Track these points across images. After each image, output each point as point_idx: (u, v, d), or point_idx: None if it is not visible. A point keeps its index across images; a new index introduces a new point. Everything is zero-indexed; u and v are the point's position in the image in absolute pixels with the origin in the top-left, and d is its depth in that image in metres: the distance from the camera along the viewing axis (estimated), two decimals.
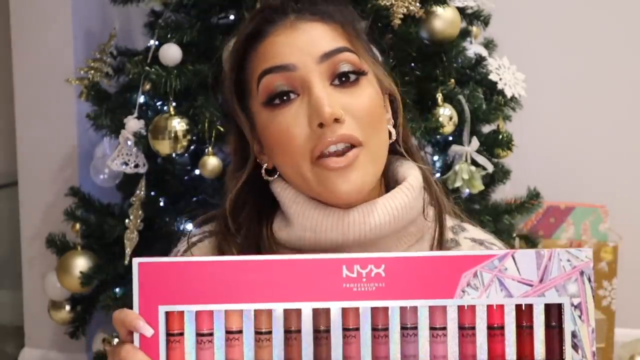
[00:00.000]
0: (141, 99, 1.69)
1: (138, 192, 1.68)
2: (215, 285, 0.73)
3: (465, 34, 1.81)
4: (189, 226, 1.66)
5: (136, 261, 0.73)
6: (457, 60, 1.69)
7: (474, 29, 1.87)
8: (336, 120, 0.84)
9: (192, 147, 1.66)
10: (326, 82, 0.86)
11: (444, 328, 0.74)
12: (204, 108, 1.59)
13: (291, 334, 0.74)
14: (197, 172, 1.68)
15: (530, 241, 1.92)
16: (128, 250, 1.64)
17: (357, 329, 0.74)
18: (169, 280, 0.73)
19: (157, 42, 1.66)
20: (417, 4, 1.56)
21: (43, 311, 1.98)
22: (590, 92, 2.50)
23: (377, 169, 0.88)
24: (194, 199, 1.73)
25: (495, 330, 0.74)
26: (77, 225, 1.83)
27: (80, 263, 1.78)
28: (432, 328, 0.74)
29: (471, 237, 0.95)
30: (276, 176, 0.93)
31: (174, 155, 1.63)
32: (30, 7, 2.14)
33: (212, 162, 1.61)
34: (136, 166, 1.67)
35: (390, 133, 0.93)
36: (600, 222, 2.33)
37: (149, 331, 0.72)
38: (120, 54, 1.87)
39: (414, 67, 1.68)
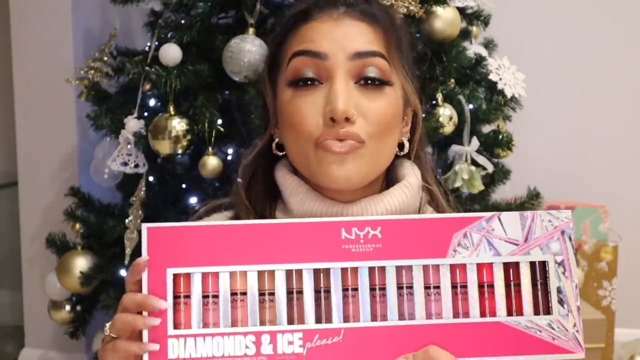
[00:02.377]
0: (141, 99, 1.69)
1: (138, 192, 1.68)
2: (220, 248, 0.76)
3: (465, 34, 1.81)
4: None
5: (145, 226, 0.76)
6: (457, 60, 1.69)
7: (474, 29, 1.87)
8: (347, 119, 0.86)
9: (192, 147, 1.66)
10: (350, 80, 0.88)
11: (438, 287, 0.77)
12: (204, 108, 1.59)
13: (293, 294, 0.77)
14: (197, 172, 1.68)
15: None
16: (128, 250, 1.64)
17: (356, 289, 0.77)
18: (176, 244, 0.76)
19: (157, 42, 1.66)
20: (417, 4, 1.56)
21: (43, 311, 1.98)
22: (591, 92, 2.50)
23: (372, 169, 0.90)
24: (194, 198, 1.73)
25: (485, 288, 0.78)
26: (77, 225, 1.83)
27: (80, 263, 1.78)
28: (426, 287, 0.77)
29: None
30: (282, 153, 0.95)
31: (174, 155, 1.63)
32: (30, 7, 2.14)
33: (212, 162, 1.61)
34: (136, 166, 1.67)
35: (403, 145, 0.95)
36: (600, 222, 2.32)
37: (155, 320, 0.75)
38: (120, 54, 1.87)
39: (414, 67, 1.68)
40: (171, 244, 0.76)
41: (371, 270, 0.77)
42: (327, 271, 0.77)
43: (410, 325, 0.76)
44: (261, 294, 0.76)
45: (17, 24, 2.16)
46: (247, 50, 1.54)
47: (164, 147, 1.61)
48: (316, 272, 0.77)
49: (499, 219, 0.78)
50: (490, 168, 1.72)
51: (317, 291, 0.77)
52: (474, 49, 1.80)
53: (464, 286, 0.77)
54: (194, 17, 1.65)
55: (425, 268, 0.77)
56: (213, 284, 0.76)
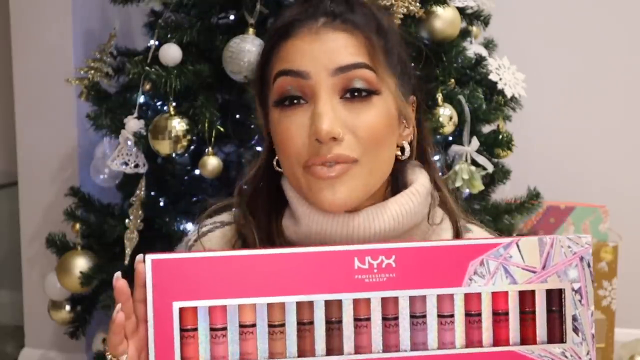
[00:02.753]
0: (141, 99, 1.69)
1: (138, 192, 1.68)
2: (228, 279, 0.74)
3: (465, 34, 1.81)
4: (189, 226, 1.66)
5: (149, 258, 0.74)
6: (457, 60, 1.69)
7: (474, 29, 1.87)
8: (333, 138, 0.84)
9: (192, 147, 1.66)
10: (336, 96, 0.86)
11: (452, 315, 0.76)
12: (204, 108, 1.59)
13: (304, 325, 0.75)
14: (197, 172, 1.68)
15: None
16: (128, 250, 1.64)
17: (369, 319, 0.75)
18: (182, 276, 0.74)
19: (157, 42, 1.66)
20: (417, 4, 1.56)
21: (43, 311, 1.98)
22: (590, 92, 2.50)
23: (370, 183, 0.88)
24: (194, 199, 1.73)
25: (499, 316, 0.76)
26: (77, 225, 1.83)
27: (80, 263, 1.78)
28: (440, 316, 0.76)
29: (475, 238, 0.95)
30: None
31: (174, 155, 1.63)
32: (30, 7, 2.14)
33: (212, 162, 1.61)
34: (136, 166, 1.67)
35: (403, 149, 0.93)
36: (600, 222, 2.32)
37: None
38: (120, 54, 1.87)
39: (414, 67, 1.68)
40: (176, 276, 0.74)
41: (384, 299, 0.75)
42: (338, 302, 0.75)
43: (423, 356, 0.75)
44: (271, 326, 0.75)
45: (17, 24, 2.16)
46: (247, 50, 1.54)
47: (164, 147, 1.61)
48: (327, 303, 0.75)
49: (517, 246, 0.76)
50: (490, 168, 1.72)
51: (328, 322, 0.75)
52: (474, 49, 1.80)
53: (478, 314, 0.76)
54: (194, 17, 1.65)
55: (440, 297, 0.76)
56: (221, 316, 0.74)
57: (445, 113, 1.64)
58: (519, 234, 1.91)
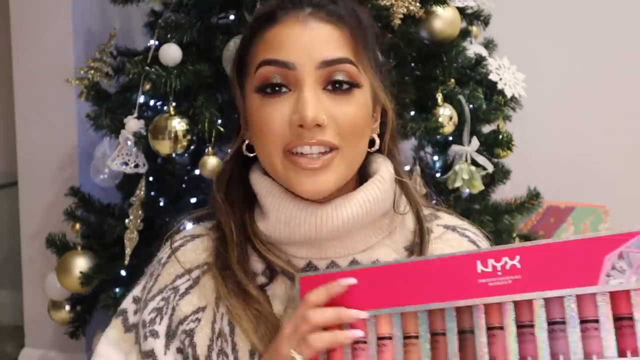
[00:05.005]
0: (141, 99, 1.69)
1: (138, 192, 1.68)
2: (368, 291, 0.76)
3: (465, 34, 1.81)
4: (189, 226, 1.66)
5: (297, 276, 0.81)
6: (457, 60, 1.68)
7: (474, 29, 1.87)
8: (317, 125, 0.86)
9: (192, 147, 1.66)
10: (319, 87, 0.88)
11: (597, 320, 0.67)
12: (204, 108, 1.58)
13: (437, 336, 0.73)
14: (197, 172, 1.68)
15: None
16: (128, 250, 1.64)
17: (501, 327, 0.70)
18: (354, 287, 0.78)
19: (157, 42, 1.66)
20: (417, 4, 1.56)
21: (43, 311, 1.97)
22: (590, 92, 2.50)
23: (348, 173, 0.91)
24: (194, 199, 1.73)
25: None
26: (77, 225, 1.83)
27: (80, 263, 1.78)
28: (582, 321, 0.68)
29: (444, 224, 0.98)
30: (252, 155, 0.95)
31: (174, 155, 1.63)
32: (30, 7, 2.14)
33: (212, 162, 1.60)
34: (136, 166, 1.67)
35: (374, 141, 0.95)
36: (600, 222, 2.32)
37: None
38: (120, 54, 1.87)
39: (414, 67, 1.68)
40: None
41: (517, 304, 0.70)
42: (469, 309, 0.71)
43: None
44: (406, 337, 0.74)
45: (17, 24, 2.16)
46: None
47: (164, 147, 1.61)
48: (459, 310, 0.72)
49: None
50: (490, 168, 1.72)
51: (461, 332, 0.71)
52: (474, 49, 1.80)
53: (630, 318, 0.66)
54: (194, 17, 1.65)
55: (579, 299, 0.67)
56: (386, 324, 0.75)
57: (445, 113, 1.64)
58: (519, 234, 1.91)
